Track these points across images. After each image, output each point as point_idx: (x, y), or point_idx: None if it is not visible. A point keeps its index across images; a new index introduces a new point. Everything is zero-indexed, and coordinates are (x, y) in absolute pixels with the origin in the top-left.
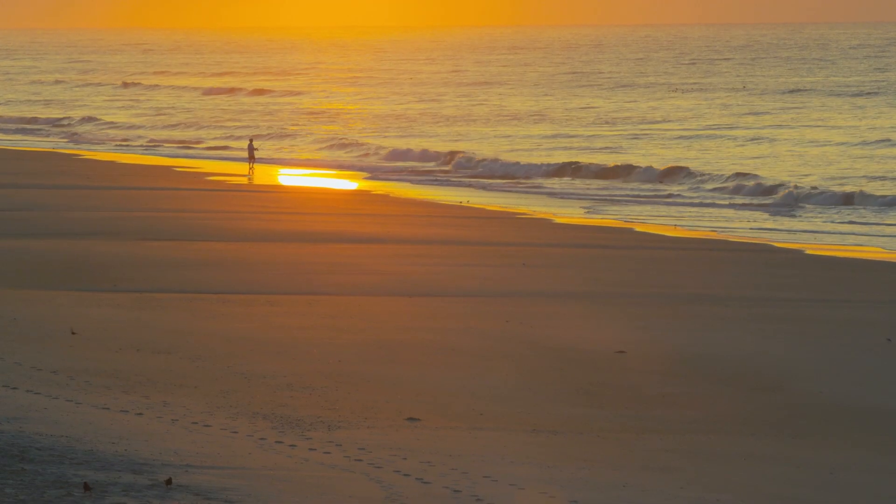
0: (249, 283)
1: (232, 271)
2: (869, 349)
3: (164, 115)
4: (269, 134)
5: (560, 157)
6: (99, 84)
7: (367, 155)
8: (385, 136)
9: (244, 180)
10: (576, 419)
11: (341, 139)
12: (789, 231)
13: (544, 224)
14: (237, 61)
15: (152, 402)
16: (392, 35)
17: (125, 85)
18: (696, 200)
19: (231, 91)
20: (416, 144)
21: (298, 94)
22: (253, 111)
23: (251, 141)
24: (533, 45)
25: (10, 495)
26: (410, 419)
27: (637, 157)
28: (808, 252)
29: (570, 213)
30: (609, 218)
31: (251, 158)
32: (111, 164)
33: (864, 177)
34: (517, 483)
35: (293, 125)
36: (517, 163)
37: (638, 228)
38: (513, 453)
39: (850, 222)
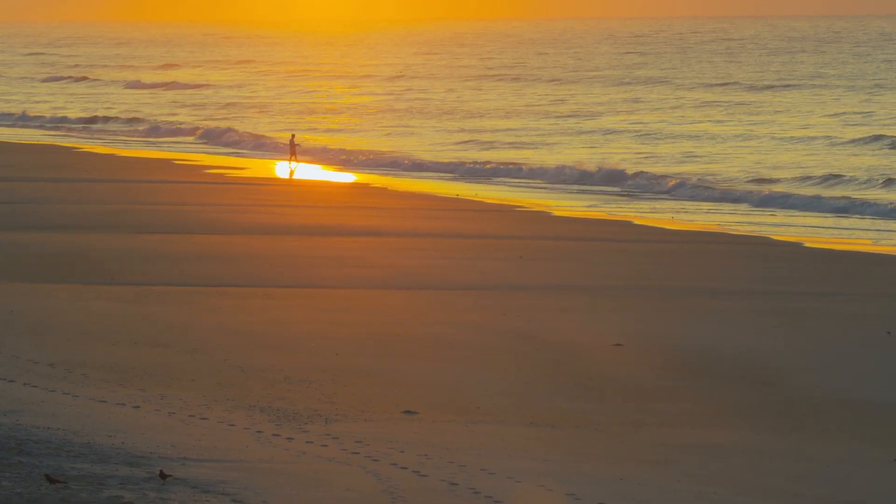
0: (247, 276)
1: (230, 265)
2: (868, 342)
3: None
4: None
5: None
6: (23, 77)
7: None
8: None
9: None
10: (573, 413)
11: (210, 129)
12: (787, 225)
13: (542, 217)
14: (190, 54)
15: (149, 395)
16: (390, 29)
17: (50, 79)
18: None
19: (155, 86)
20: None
21: (223, 87)
22: (144, 102)
23: (293, 136)
24: (504, 39)
25: (7, 488)
26: (407, 412)
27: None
28: (806, 245)
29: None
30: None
31: (292, 154)
32: (109, 158)
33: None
34: (514, 476)
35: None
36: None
37: (637, 221)
38: (510, 447)
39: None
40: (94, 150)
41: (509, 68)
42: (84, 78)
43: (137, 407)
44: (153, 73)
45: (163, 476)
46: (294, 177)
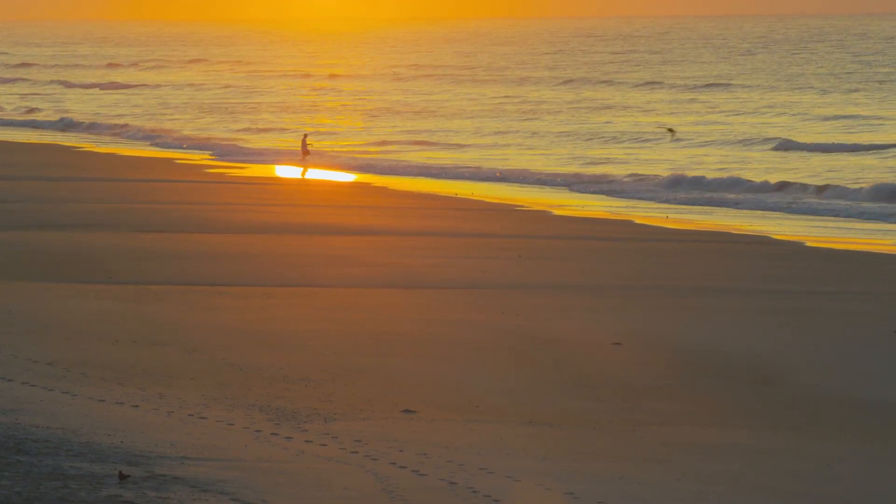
0: (246, 275)
1: (228, 263)
2: (869, 341)
3: None
4: None
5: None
6: None
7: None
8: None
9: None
10: (572, 411)
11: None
12: (788, 224)
13: (542, 216)
14: (156, 52)
15: (148, 394)
16: (386, 29)
17: None
18: None
19: (93, 86)
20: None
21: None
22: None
23: (305, 136)
24: (482, 38)
25: (5, 487)
26: (406, 411)
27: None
28: (808, 244)
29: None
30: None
31: (304, 153)
32: (109, 157)
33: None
34: (513, 475)
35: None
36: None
37: (637, 220)
38: (509, 445)
39: None
40: (94, 150)
41: (452, 68)
42: (20, 79)
43: (136, 406)
44: (97, 72)
45: (122, 477)
46: (305, 176)
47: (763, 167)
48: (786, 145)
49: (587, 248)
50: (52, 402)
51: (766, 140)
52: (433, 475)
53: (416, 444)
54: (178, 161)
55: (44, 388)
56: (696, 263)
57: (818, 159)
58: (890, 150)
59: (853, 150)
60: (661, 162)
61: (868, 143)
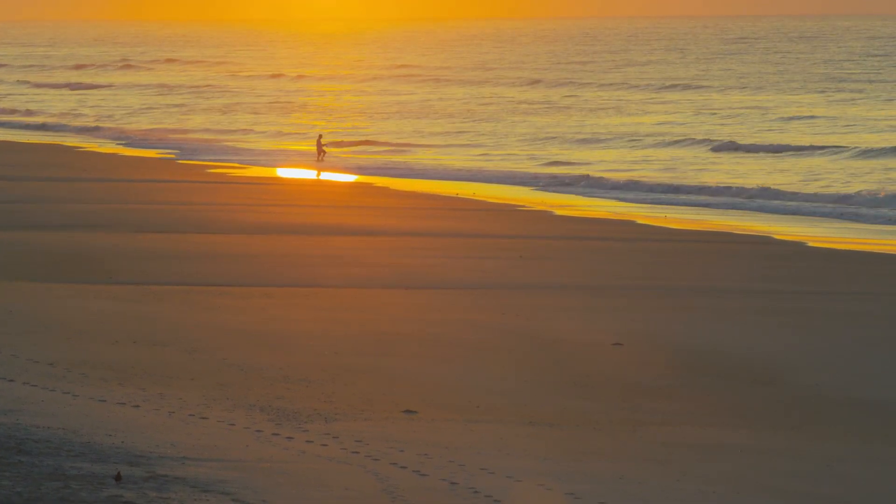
0: (246, 275)
1: (229, 264)
2: (870, 341)
3: None
4: None
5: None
6: None
7: None
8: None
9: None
10: (573, 412)
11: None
12: (788, 224)
13: (544, 216)
14: (119, 53)
15: (149, 394)
16: (383, 29)
17: None
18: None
19: (58, 86)
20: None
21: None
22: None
23: (320, 136)
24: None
25: (6, 487)
26: (407, 412)
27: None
28: (809, 245)
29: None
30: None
31: (320, 153)
32: (109, 157)
33: None
34: (514, 475)
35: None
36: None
37: (639, 221)
38: (510, 446)
39: None
40: (95, 150)
41: (440, 69)
42: None
43: (137, 406)
44: (68, 72)
45: (118, 478)
46: (320, 177)
47: (707, 167)
48: (727, 147)
49: (587, 248)
50: (52, 402)
51: (710, 141)
52: (434, 475)
53: (417, 444)
54: (179, 161)
55: (44, 389)
56: (696, 263)
57: (758, 161)
58: (818, 151)
59: (778, 152)
60: (611, 163)
61: (808, 144)
